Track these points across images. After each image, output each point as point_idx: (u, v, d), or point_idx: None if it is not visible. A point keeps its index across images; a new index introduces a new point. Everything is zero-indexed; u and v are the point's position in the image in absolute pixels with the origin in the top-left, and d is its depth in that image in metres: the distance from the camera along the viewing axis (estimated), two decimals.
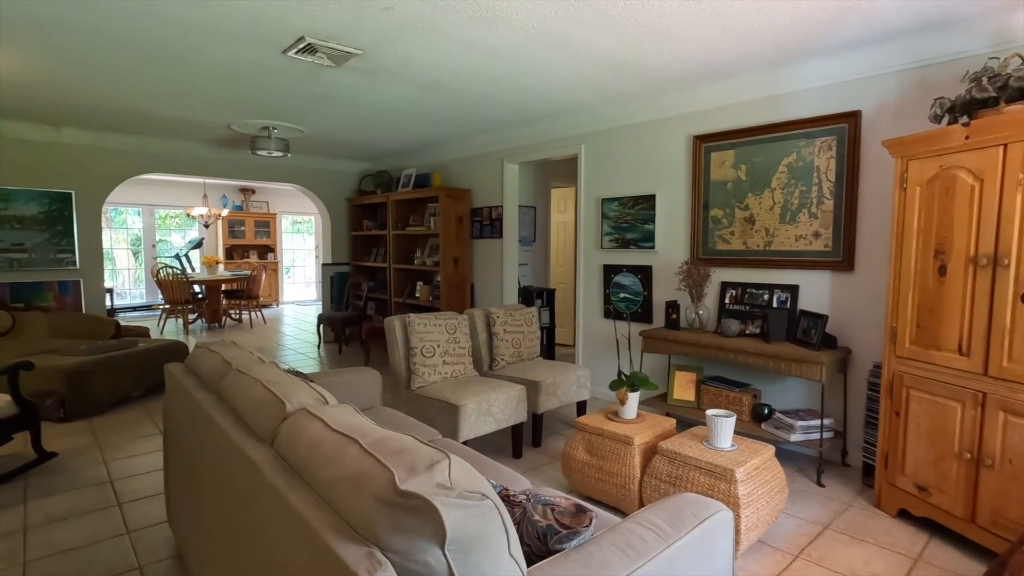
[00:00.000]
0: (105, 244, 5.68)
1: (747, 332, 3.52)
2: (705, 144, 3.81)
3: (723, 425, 2.36)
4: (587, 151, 4.63)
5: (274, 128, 5.14)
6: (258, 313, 9.12)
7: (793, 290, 3.43)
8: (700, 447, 2.40)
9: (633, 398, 2.71)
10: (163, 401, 2.31)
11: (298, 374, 2.46)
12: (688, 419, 3.63)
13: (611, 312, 4.49)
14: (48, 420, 3.89)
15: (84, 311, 5.46)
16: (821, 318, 3.06)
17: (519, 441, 3.32)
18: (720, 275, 3.79)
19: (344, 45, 3.03)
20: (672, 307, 3.83)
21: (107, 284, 8.09)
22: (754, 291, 3.61)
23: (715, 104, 3.75)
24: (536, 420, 3.48)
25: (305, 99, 4.15)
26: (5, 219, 5.03)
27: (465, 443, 3.02)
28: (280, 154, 5.22)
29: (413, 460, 0.98)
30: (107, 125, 5.11)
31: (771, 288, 3.53)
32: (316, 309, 10.85)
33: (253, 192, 11.00)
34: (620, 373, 2.76)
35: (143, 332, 5.52)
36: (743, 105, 3.62)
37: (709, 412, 2.41)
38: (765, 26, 2.77)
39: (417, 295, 6.14)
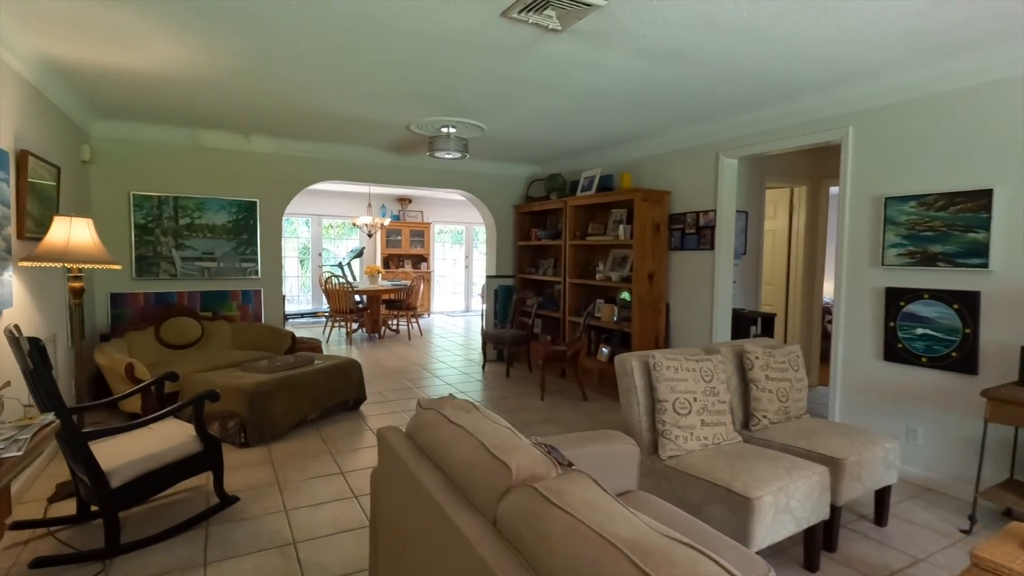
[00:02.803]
0: None
1: None
2: None
3: None
4: (858, 134, 3.45)
5: (453, 128, 4.64)
6: (415, 324, 8.93)
7: None
8: None
9: None
10: (372, 474, 1.67)
11: (551, 450, 1.71)
12: None
13: (897, 353, 3.25)
14: (229, 443, 3.62)
15: (263, 321, 5.39)
16: None
17: (814, 547, 2.29)
18: None
19: None
20: None
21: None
22: None
23: None
24: (832, 514, 2.42)
25: (499, 85, 3.51)
26: (199, 228, 5.06)
27: (758, 552, 2.06)
28: (458, 155, 4.70)
29: None
30: (290, 132, 4.96)
31: None
32: (465, 320, 10.54)
33: (409, 202, 11.02)
34: None
35: (316, 346, 5.31)
36: None
37: None
38: None
39: (598, 315, 5.30)
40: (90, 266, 2.81)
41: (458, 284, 12.27)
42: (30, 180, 3.01)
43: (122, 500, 2.30)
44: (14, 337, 2.13)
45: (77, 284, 2.88)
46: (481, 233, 12.31)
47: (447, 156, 4.73)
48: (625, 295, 5.10)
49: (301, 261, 10.89)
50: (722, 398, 2.51)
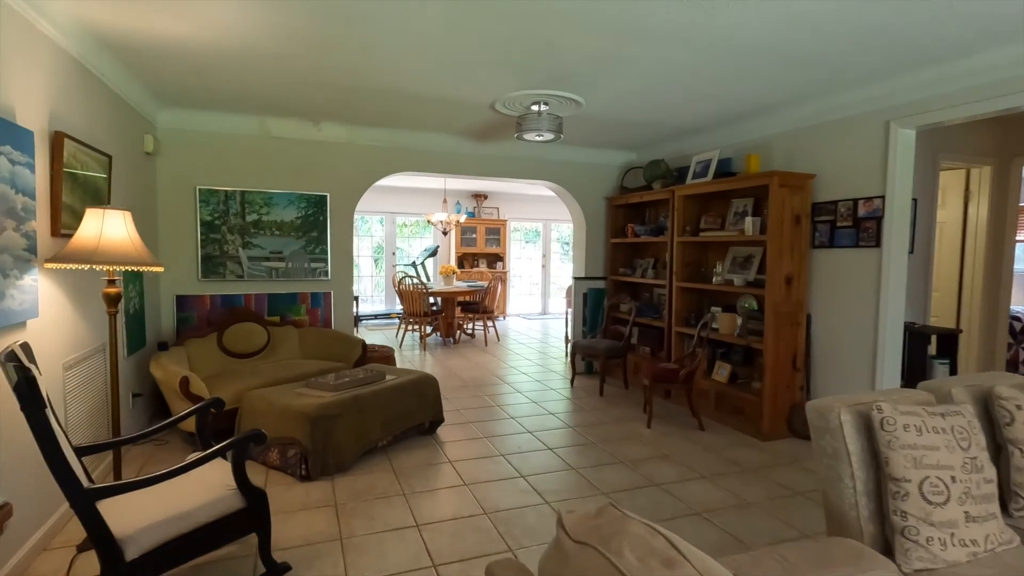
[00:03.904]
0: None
1: None
2: None
3: None
4: None
5: (545, 104, 3.93)
6: (492, 328, 8.33)
7: None
8: None
9: None
10: None
11: None
12: None
13: None
14: (289, 475, 3.10)
15: (333, 326, 4.93)
16: None
17: None
18: None
19: None
20: None
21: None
22: None
23: None
24: None
25: (612, 40, 2.75)
26: (266, 225, 4.66)
27: None
28: (551, 136, 3.99)
29: None
30: (363, 118, 4.45)
31: None
32: (542, 324, 9.84)
33: (485, 198, 10.46)
34: None
35: (388, 356, 4.79)
36: None
37: None
38: None
39: (715, 326, 4.41)
40: (124, 268, 2.33)
41: (535, 285, 11.60)
42: (70, 169, 2.60)
43: (141, 574, 1.76)
44: (11, 362, 1.63)
45: (113, 290, 2.42)
46: (557, 231, 11.57)
47: (538, 138, 4.03)
48: (751, 303, 4.19)
49: (375, 260, 10.61)
50: (988, 475, 1.63)
